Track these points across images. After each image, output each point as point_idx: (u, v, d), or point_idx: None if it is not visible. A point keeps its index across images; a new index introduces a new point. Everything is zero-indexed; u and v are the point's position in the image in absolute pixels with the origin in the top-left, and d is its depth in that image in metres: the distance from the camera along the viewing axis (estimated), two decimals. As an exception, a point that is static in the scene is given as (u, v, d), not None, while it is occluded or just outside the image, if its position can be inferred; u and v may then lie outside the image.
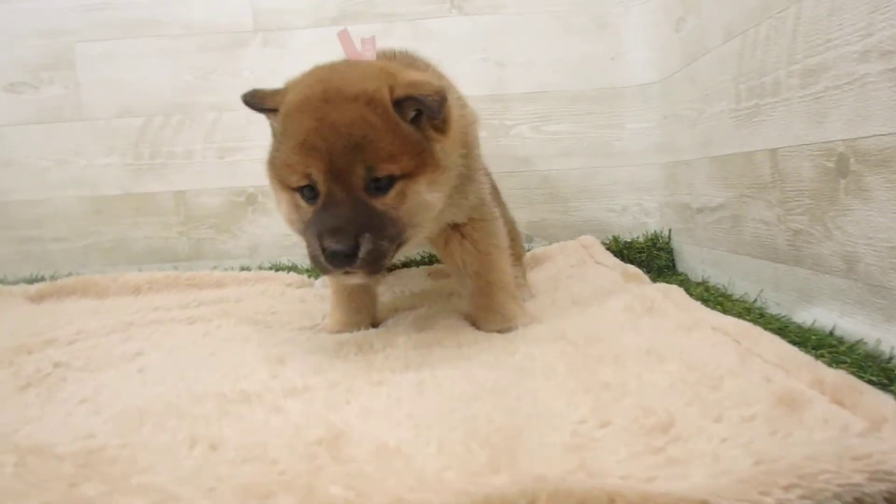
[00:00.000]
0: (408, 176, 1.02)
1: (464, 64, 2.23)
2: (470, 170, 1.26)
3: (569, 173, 2.26)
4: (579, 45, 2.23)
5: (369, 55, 1.23)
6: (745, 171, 1.52)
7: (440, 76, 1.41)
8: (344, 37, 1.26)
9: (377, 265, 1.00)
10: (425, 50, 2.18)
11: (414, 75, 1.10)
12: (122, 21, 2.23)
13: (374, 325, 1.41)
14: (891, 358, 1.06)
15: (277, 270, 2.13)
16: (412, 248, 1.46)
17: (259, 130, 2.27)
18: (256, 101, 1.17)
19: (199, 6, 2.23)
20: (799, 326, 1.27)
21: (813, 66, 1.22)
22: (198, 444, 0.73)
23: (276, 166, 1.09)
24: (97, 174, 2.28)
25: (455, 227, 1.31)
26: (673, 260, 2.11)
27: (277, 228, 2.31)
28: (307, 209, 1.05)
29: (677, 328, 1.07)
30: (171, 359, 1.17)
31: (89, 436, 0.77)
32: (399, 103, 1.02)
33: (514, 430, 0.71)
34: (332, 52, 2.17)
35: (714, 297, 1.55)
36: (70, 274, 2.20)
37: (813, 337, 1.17)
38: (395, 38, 2.24)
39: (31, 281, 2.20)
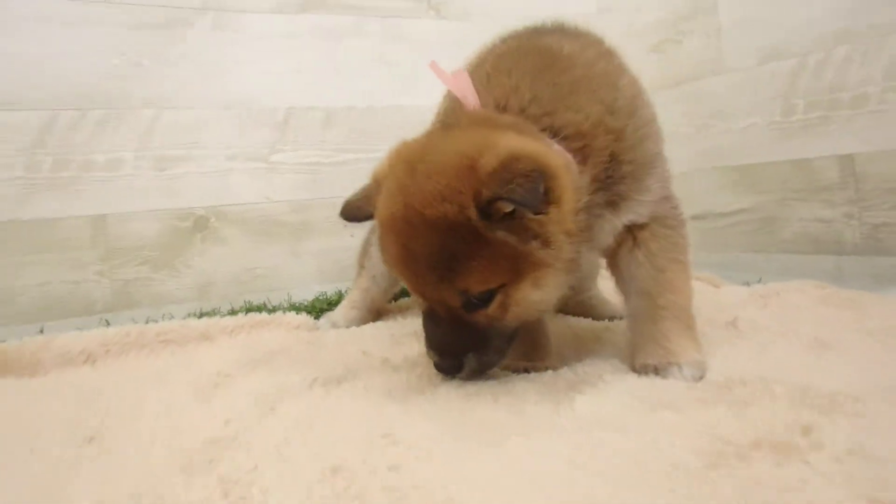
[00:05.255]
0: (507, 284, 0.91)
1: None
2: (648, 155, 1.02)
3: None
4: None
5: (468, 92, 1.00)
6: (790, 176, 1.73)
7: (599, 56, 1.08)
8: (435, 68, 1.06)
9: (482, 374, 1.00)
10: (396, 52, 2.00)
11: (502, 152, 0.87)
12: (4, -28, 1.54)
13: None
14: None
15: (270, 313, 1.68)
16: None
17: (212, 136, 1.80)
18: (351, 214, 1.04)
19: (126, -32, 1.67)
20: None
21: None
22: None
23: None
24: (-42, 194, 1.52)
25: (629, 229, 1.06)
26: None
27: (237, 261, 1.84)
28: None
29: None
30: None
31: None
32: (487, 205, 0.87)
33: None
34: (294, 45, 1.85)
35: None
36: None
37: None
38: (368, 34, 1.99)
39: None
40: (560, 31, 1.14)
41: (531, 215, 0.87)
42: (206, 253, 1.80)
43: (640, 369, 1.02)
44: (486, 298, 0.91)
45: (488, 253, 0.87)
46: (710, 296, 1.51)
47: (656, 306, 1.04)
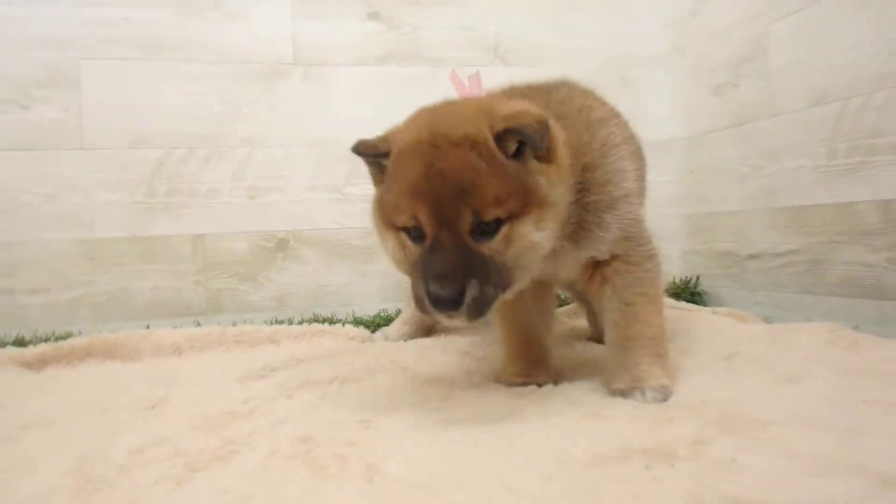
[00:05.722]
0: (514, 217, 0.99)
1: (507, 113, 2.27)
2: (611, 197, 1.15)
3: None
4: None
5: (477, 92, 1.19)
6: (834, 219, 1.72)
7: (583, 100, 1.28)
8: (453, 77, 1.23)
9: (482, 311, 0.99)
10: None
11: (512, 106, 1.05)
12: (141, 39, 1.94)
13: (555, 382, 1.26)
14: None
15: (332, 324, 1.92)
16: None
17: (296, 169, 2.10)
18: (366, 149, 1.11)
19: (233, 32, 2.02)
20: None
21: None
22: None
23: (384, 206, 1.08)
24: (95, 213, 1.91)
25: (597, 265, 1.18)
26: (704, 303, 2.28)
27: (311, 278, 2.10)
28: (413, 250, 1.04)
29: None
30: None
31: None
32: (500, 137, 1.01)
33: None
34: (374, 93, 2.11)
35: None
36: (56, 334, 1.80)
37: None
38: (440, 83, 2.21)
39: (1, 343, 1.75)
40: (554, 84, 1.30)
41: (535, 161, 1.01)
42: (285, 270, 2.08)
43: (611, 393, 1.12)
44: (493, 229, 0.99)
45: (502, 176, 0.98)
46: (730, 331, 1.55)
47: (626, 337, 1.14)
